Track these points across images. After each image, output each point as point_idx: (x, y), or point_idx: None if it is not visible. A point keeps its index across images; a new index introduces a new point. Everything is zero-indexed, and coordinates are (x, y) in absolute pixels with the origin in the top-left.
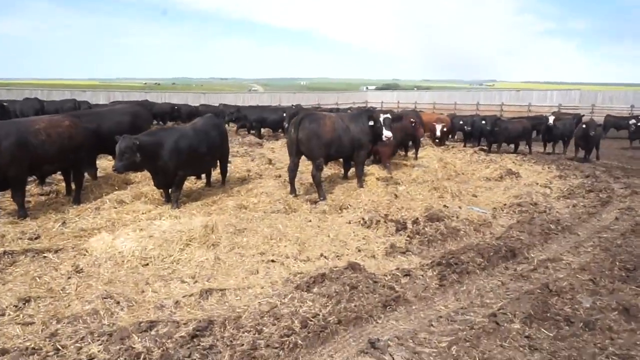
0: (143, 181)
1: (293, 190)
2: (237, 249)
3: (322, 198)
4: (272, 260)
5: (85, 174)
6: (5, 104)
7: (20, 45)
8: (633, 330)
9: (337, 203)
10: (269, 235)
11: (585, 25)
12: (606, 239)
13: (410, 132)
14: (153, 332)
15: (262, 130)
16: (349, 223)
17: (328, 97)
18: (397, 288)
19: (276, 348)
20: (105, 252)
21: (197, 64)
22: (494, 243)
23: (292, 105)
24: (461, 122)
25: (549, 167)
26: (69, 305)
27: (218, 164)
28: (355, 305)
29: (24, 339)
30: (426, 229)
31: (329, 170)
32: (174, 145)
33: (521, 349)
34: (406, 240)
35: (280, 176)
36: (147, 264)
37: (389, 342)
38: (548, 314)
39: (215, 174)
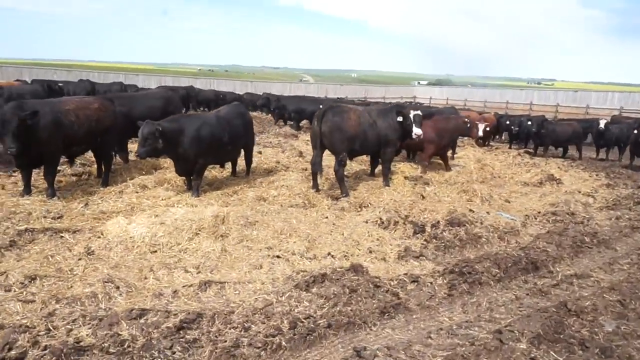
0: (170, 167)
1: (315, 185)
2: (245, 241)
3: (344, 194)
4: (278, 256)
5: (117, 157)
6: (60, 84)
7: (82, 28)
8: None
9: (358, 201)
10: (279, 230)
11: None
12: None
13: (464, 132)
14: (142, 320)
15: (303, 122)
16: (366, 222)
17: (375, 90)
18: (401, 294)
19: (258, 348)
20: (118, 236)
21: (251, 51)
22: (514, 253)
23: (338, 97)
24: (507, 122)
25: (597, 175)
26: (71, 287)
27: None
28: (351, 310)
29: (22, 316)
30: (444, 233)
31: (357, 166)
32: (195, 133)
33: None
34: (422, 244)
35: (306, 169)
36: (156, 251)
37: (377, 352)
38: (561, 336)
39: (242, 163)
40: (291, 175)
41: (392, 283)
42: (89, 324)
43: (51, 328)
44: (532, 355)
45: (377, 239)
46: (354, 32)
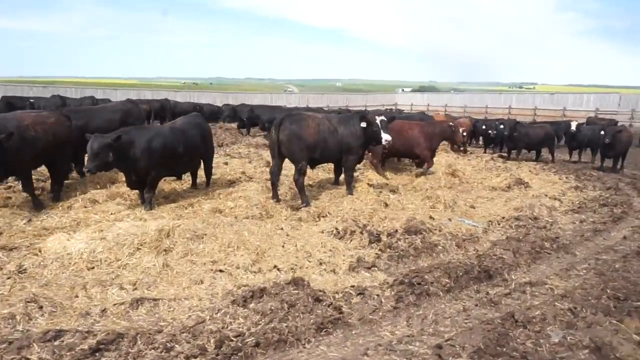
0: None
1: (275, 195)
2: (190, 255)
3: (304, 204)
4: (221, 270)
5: (74, 172)
6: (32, 100)
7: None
8: None
9: (318, 210)
10: (227, 243)
11: (630, 23)
12: (604, 262)
13: (449, 136)
14: (57, 343)
15: None
16: (322, 232)
17: (356, 98)
18: (344, 308)
19: None
20: (55, 253)
21: (235, 64)
22: (467, 262)
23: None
24: (484, 127)
25: (567, 177)
26: None
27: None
28: (286, 326)
29: None
30: (399, 242)
31: (323, 174)
32: (146, 145)
33: None
34: (376, 254)
35: (269, 180)
36: (93, 267)
37: None
38: (504, 349)
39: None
40: (251, 185)
41: (336, 296)
42: None
43: None
44: None
45: (330, 250)
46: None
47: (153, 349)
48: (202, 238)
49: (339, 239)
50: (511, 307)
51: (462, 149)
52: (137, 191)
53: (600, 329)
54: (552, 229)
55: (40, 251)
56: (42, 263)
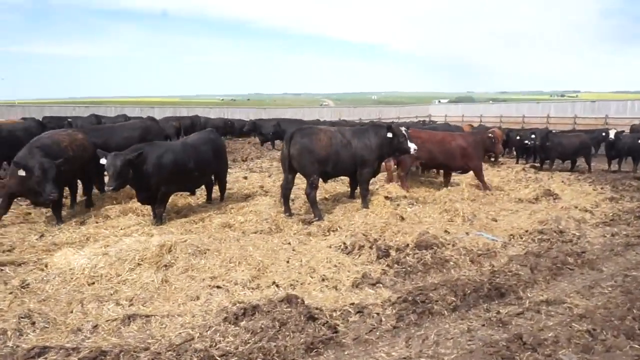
0: None
1: (287, 210)
2: (190, 271)
3: (317, 218)
4: (218, 286)
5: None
6: (69, 119)
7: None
8: None
9: (329, 224)
10: (229, 258)
11: None
12: (634, 279)
13: (489, 148)
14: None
15: None
16: (330, 247)
17: (389, 110)
18: (340, 327)
19: None
20: (58, 268)
21: (273, 80)
22: (477, 278)
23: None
24: (518, 137)
25: (602, 188)
26: None
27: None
28: (275, 345)
29: None
30: (408, 257)
31: (340, 187)
32: (157, 161)
33: None
34: (382, 270)
35: None
36: (93, 283)
37: None
38: None
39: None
40: (264, 200)
41: (333, 314)
42: None
43: None
44: None
45: (335, 266)
46: (376, 55)
47: None
48: (205, 253)
49: (347, 254)
50: (522, 328)
51: (492, 159)
52: (149, 206)
53: (620, 353)
54: (578, 243)
55: (46, 266)
56: (45, 278)
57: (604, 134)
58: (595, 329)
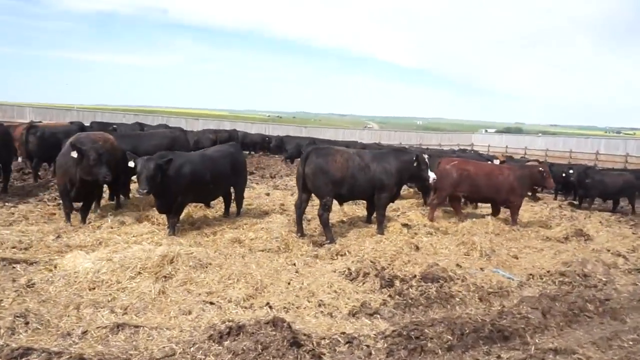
0: None
1: (300, 230)
2: (188, 284)
3: (329, 241)
4: (211, 302)
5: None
6: (115, 125)
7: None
8: None
9: (339, 248)
10: (228, 274)
11: None
12: None
13: (539, 182)
14: None
15: None
16: (334, 272)
17: (430, 137)
18: (325, 357)
19: None
20: (64, 270)
21: (319, 99)
22: (479, 318)
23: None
24: (564, 174)
25: None
26: None
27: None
28: None
29: None
30: (411, 289)
31: (360, 211)
32: (176, 170)
33: None
34: (383, 300)
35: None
36: (94, 288)
37: None
38: None
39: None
40: (278, 218)
41: (321, 342)
42: None
43: None
44: None
45: (336, 291)
46: (425, 80)
47: None
48: (206, 267)
49: (351, 280)
50: None
51: (530, 194)
52: (165, 215)
53: None
54: (603, 289)
55: (55, 267)
56: (50, 279)
57: None
58: None
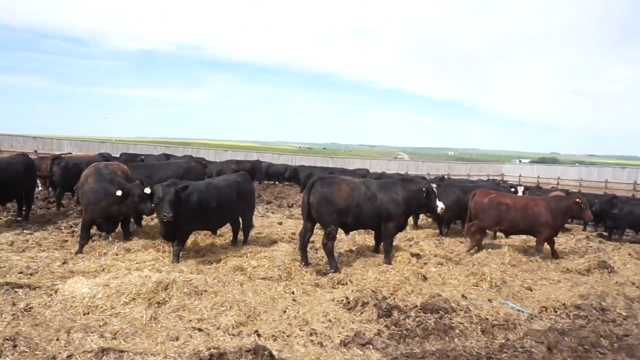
0: None
1: (304, 258)
2: (181, 311)
3: (332, 270)
4: (200, 329)
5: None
6: (142, 157)
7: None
8: None
9: (344, 277)
10: (222, 302)
11: None
12: None
13: (576, 214)
14: None
15: None
16: (332, 301)
17: (459, 167)
18: None
19: None
20: (62, 295)
21: (350, 130)
22: (475, 351)
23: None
24: (593, 206)
25: None
26: None
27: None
28: None
29: None
30: (408, 320)
31: (370, 240)
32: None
33: None
34: (378, 330)
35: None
36: (88, 313)
37: None
38: None
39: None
40: (282, 247)
41: None
42: None
43: None
44: None
45: (330, 320)
46: (457, 111)
47: None
48: (201, 294)
49: (348, 309)
50: None
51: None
52: (170, 242)
53: None
54: (622, 324)
55: (55, 292)
56: (48, 303)
57: None
58: None
